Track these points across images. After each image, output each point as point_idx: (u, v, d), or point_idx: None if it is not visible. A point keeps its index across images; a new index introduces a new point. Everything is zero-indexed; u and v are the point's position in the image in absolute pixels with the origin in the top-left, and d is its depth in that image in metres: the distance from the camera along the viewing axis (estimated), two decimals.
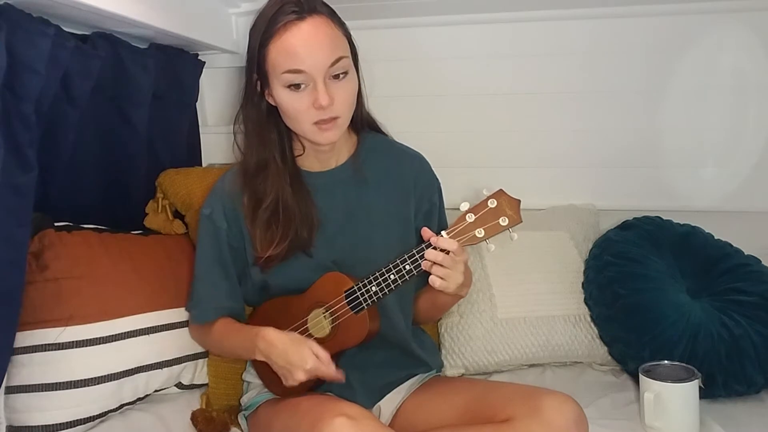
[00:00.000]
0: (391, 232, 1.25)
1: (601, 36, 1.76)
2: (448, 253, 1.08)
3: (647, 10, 1.69)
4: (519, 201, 1.09)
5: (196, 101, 1.83)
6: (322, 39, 1.08)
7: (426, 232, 1.10)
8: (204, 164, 1.89)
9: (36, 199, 1.13)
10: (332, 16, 1.12)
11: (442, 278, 1.09)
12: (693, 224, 1.68)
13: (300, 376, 1.09)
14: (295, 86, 1.09)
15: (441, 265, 1.08)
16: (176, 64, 1.63)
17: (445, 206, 1.35)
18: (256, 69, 1.14)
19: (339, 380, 1.12)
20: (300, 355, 1.09)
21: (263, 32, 1.10)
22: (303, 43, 1.07)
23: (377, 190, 1.25)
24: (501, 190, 1.10)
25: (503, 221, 1.08)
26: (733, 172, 1.75)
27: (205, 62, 1.80)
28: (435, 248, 1.08)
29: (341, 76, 1.11)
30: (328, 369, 1.10)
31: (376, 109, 1.29)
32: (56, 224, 1.27)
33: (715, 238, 1.66)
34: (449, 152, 1.78)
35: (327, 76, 1.09)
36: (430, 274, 1.09)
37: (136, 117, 1.49)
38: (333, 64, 1.09)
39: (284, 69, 1.08)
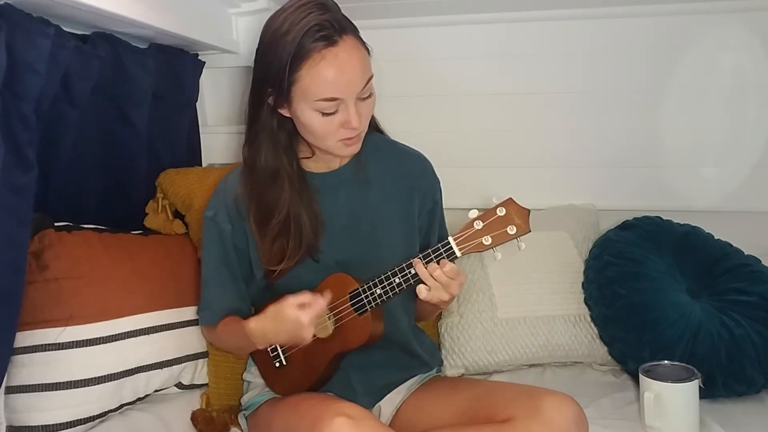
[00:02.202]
0: (394, 231, 1.25)
1: (601, 36, 1.76)
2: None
3: (647, 10, 1.70)
4: (528, 210, 1.08)
5: (196, 101, 1.83)
6: (356, 64, 1.07)
7: (417, 262, 1.11)
8: (204, 164, 1.89)
9: (36, 199, 1.13)
10: (356, 31, 1.10)
11: (429, 289, 1.09)
12: (693, 224, 1.68)
13: (307, 334, 1.08)
14: (327, 110, 1.08)
15: (436, 280, 1.09)
16: (176, 64, 1.63)
17: (446, 206, 1.35)
18: (275, 87, 1.09)
19: (327, 300, 1.11)
20: (290, 318, 1.07)
21: (292, 56, 1.04)
22: (340, 73, 1.05)
23: (380, 190, 1.25)
24: (510, 198, 1.09)
25: (511, 230, 1.07)
26: (733, 172, 1.75)
27: (205, 62, 1.79)
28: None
29: (368, 95, 1.11)
30: (319, 304, 1.08)
31: (376, 108, 1.28)
32: (56, 224, 1.27)
33: (715, 238, 1.66)
34: (450, 152, 1.78)
35: (358, 98, 1.09)
36: None
37: (136, 117, 1.49)
38: (364, 87, 1.09)
39: (319, 97, 1.06)
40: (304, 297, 1.08)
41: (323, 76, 1.05)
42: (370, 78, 1.10)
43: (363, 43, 1.10)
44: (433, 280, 1.09)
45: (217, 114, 1.94)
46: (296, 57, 1.04)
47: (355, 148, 1.15)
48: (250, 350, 1.29)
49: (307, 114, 1.09)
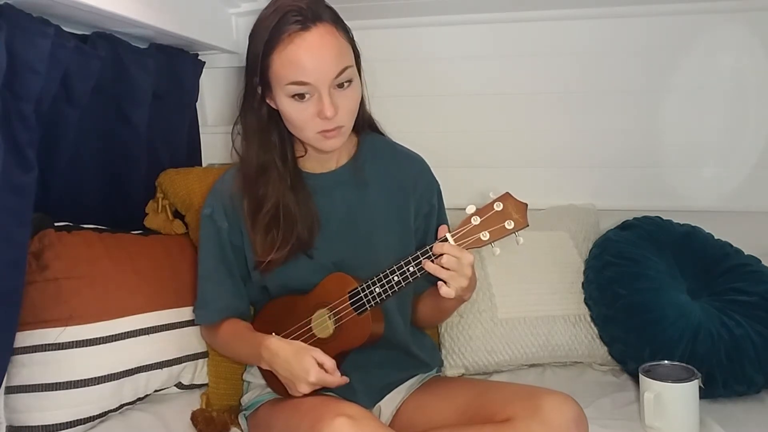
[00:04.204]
0: (390, 233, 1.25)
1: (601, 36, 1.76)
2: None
3: (647, 10, 1.69)
4: (526, 204, 1.08)
5: (196, 101, 1.83)
6: (328, 50, 1.07)
7: (442, 229, 1.10)
8: (204, 164, 1.89)
9: (36, 199, 1.13)
10: (336, 22, 1.10)
11: (445, 281, 1.07)
12: (693, 224, 1.68)
13: (303, 389, 1.08)
14: (300, 96, 1.08)
15: (446, 268, 1.07)
16: (176, 64, 1.63)
17: (446, 206, 1.34)
18: (257, 75, 1.12)
19: (345, 383, 1.12)
20: (303, 366, 1.08)
21: (266, 41, 1.07)
22: (308, 56, 1.06)
23: (377, 191, 1.25)
24: (507, 193, 1.09)
25: (509, 225, 1.07)
26: (733, 172, 1.75)
27: (205, 62, 1.80)
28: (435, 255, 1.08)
29: (345, 85, 1.10)
30: (333, 378, 1.09)
31: (376, 109, 1.29)
32: (56, 224, 1.27)
33: (715, 238, 1.66)
34: (449, 152, 1.79)
35: (332, 86, 1.08)
36: (434, 277, 1.09)
37: (136, 117, 1.49)
38: (338, 75, 1.08)
39: (289, 81, 1.07)
40: (330, 363, 1.09)
41: (290, 58, 1.06)
42: (347, 67, 1.09)
43: (344, 33, 1.11)
44: (445, 271, 1.07)
45: (217, 114, 1.94)
46: (270, 41, 1.07)
47: (335, 142, 1.14)
48: (249, 362, 1.28)
49: (283, 100, 1.11)
